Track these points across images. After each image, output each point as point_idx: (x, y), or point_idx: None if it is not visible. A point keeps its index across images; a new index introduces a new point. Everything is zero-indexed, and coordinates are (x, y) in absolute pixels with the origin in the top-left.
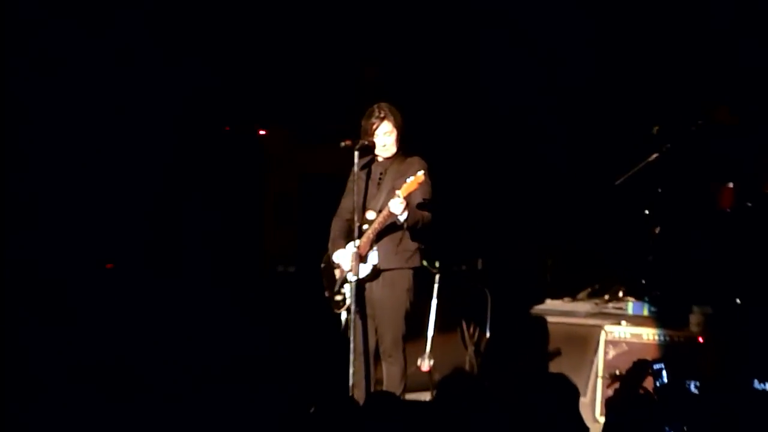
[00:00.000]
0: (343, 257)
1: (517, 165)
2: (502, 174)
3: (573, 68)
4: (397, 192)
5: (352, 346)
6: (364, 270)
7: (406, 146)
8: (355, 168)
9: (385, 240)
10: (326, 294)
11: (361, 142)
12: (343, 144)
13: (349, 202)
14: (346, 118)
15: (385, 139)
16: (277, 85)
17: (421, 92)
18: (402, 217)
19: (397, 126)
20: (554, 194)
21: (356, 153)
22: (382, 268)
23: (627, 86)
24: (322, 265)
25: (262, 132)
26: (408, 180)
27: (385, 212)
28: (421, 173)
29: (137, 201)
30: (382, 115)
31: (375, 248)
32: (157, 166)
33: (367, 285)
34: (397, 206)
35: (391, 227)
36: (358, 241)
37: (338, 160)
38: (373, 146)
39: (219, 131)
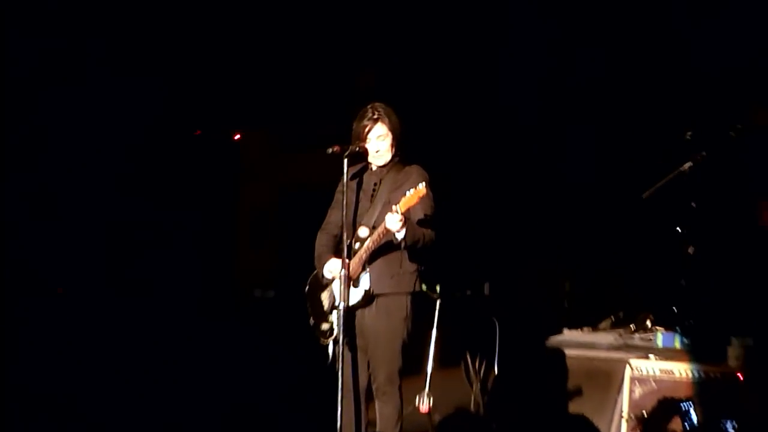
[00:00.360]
0: (335, 269)
1: (529, 176)
2: (512, 187)
3: (586, 63)
4: (395, 207)
5: (340, 382)
6: (355, 295)
7: (403, 154)
8: (345, 178)
9: (379, 261)
10: (311, 321)
11: (351, 148)
12: (330, 150)
13: (337, 215)
14: (334, 121)
15: (378, 144)
16: (255, 83)
17: (423, 95)
18: (399, 235)
19: (392, 129)
20: (572, 208)
21: (346, 161)
22: (375, 293)
23: (655, 86)
24: (307, 288)
25: (236, 136)
26: (407, 193)
27: (380, 229)
28: (422, 186)
29: (91, 218)
30: (375, 117)
31: (367, 270)
32: (113, 177)
33: (358, 312)
34: (394, 223)
35: (386, 246)
36: (347, 262)
37: (325, 170)
38: (365, 153)
39: (187, 135)
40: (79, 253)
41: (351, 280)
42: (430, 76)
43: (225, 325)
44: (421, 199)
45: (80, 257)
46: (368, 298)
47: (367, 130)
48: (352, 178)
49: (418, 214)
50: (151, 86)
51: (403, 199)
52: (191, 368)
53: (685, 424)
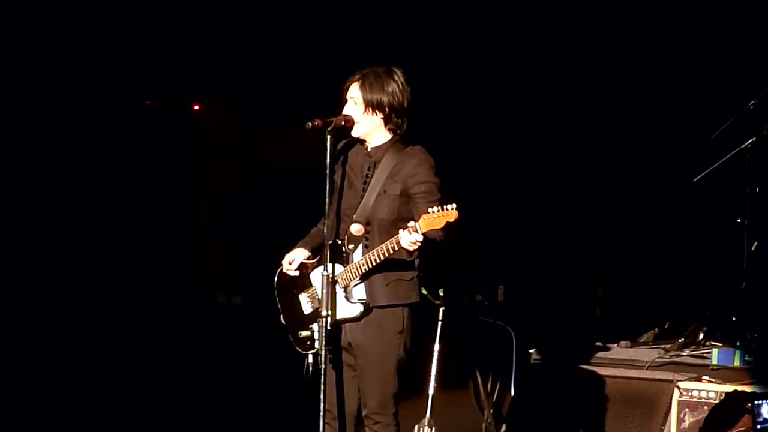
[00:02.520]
0: (294, 262)
1: (554, 162)
2: (532, 173)
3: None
4: (416, 225)
5: (322, 407)
6: (350, 310)
7: (404, 133)
8: (328, 158)
9: (376, 269)
10: (282, 321)
11: (335, 120)
12: (310, 124)
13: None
14: (315, 88)
15: (349, 107)
16: (218, 43)
17: (436, 78)
18: (411, 252)
19: (367, 99)
20: (605, 195)
21: (329, 137)
22: (372, 305)
23: (707, 44)
24: (277, 280)
25: (196, 107)
26: (431, 211)
27: (389, 245)
28: (452, 208)
29: (25, 203)
30: (359, 75)
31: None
32: (52, 155)
33: (346, 324)
34: (409, 242)
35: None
36: (338, 268)
37: (302, 148)
38: (352, 126)
39: (136, 106)
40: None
41: (344, 291)
42: (436, 49)
43: (183, 337)
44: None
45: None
46: (367, 312)
47: (345, 88)
48: (340, 157)
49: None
50: (90, 46)
51: (426, 218)
52: (145, 385)
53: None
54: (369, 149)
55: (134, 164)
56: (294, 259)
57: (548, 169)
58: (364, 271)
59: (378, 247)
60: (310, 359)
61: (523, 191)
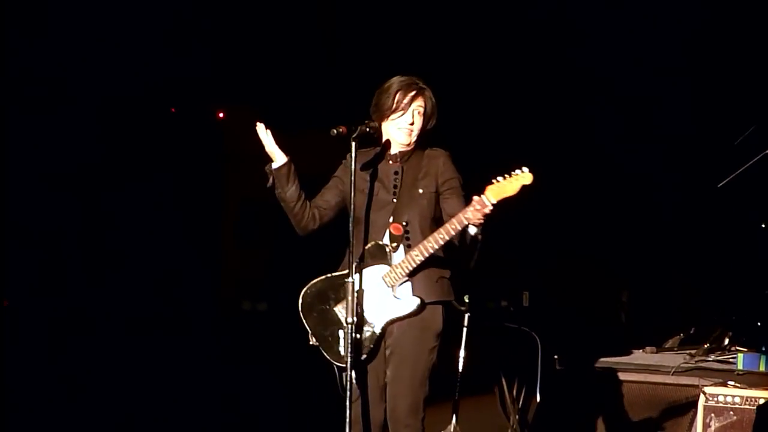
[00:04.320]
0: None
1: (576, 163)
2: (556, 174)
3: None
4: (482, 197)
5: (348, 416)
6: (402, 307)
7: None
8: (353, 165)
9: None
10: (312, 341)
11: (361, 128)
12: (335, 131)
13: (330, 197)
14: (339, 96)
15: (416, 118)
16: (244, 48)
17: (459, 82)
18: (473, 230)
19: (430, 109)
20: (629, 199)
21: (354, 144)
22: (427, 300)
23: (732, 49)
24: (302, 300)
25: (220, 114)
26: (499, 179)
27: (450, 226)
28: (527, 171)
29: (48, 210)
30: (423, 87)
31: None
32: (77, 163)
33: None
34: (479, 215)
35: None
36: (383, 269)
37: (327, 155)
38: (378, 135)
39: (161, 113)
40: (31, 255)
41: (392, 289)
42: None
43: (207, 344)
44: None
45: (28, 261)
46: (422, 307)
47: (411, 97)
48: (363, 167)
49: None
50: (114, 53)
51: (497, 186)
52: (164, 398)
53: None
54: (393, 154)
55: (158, 171)
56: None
57: (573, 174)
58: (418, 262)
59: (436, 232)
60: (352, 374)
61: (548, 197)
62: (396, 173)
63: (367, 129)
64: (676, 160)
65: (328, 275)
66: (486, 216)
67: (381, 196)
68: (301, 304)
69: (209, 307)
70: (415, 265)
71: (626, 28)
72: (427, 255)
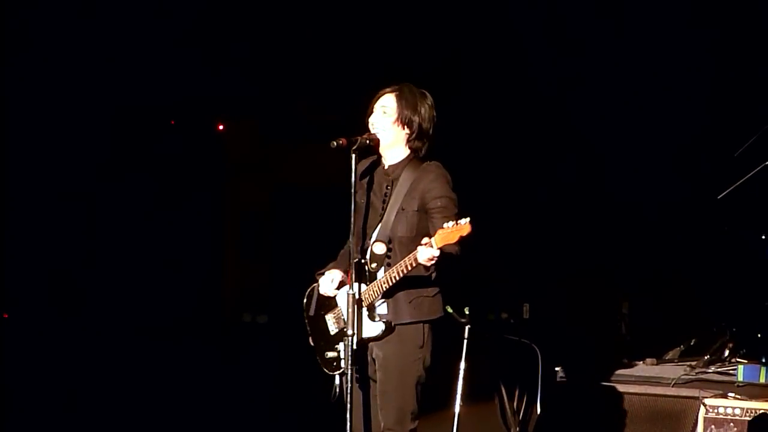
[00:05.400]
0: (331, 284)
1: (576, 176)
2: (556, 186)
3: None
4: (431, 240)
5: (348, 425)
6: (374, 329)
7: (422, 152)
8: (353, 176)
9: (399, 287)
10: (311, 342)
11: (360, 140)
12: (335, 143)
13: (359, 223)
14: (340, 107)
15: (377, 116)
16: (242, 61)
17: (457, 95)
18: (429, 268)
19: (402, 112)
20: (632, 211)
21: (354, 156)
22: (395, 323)
23: (731, 60)
24: (306, 301)
25: (220, 126)
26: (446, 226)
27: (408, 261)
28: (465, 222)
29: (46, 220)
30: (392, 89)
31: (384, 300)
32: (76, 174)
33: (372, 344)
34: (426, 257)
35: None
36: (362, 287)
37: (327, 166)
38: (376, 145)
39: (160, 125)
40: (33, 268)
41: (367, 309)
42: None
43: (207, 356)
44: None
45: (33, 274)
46: (390, 330)
47: (377, 97)
48: (362, 177)
49: (448, 249)
50: (114, 65)
51: (440, 233)
52: (163, 411)
53: None
54: (387, 167)
55: (159, 183)
56: (334, 278)
57: (574, 187)
58: (385, 289)
59: (397, 265)
60: (338, 380)
61: (549, 209)
62: (387, 187)
63: (367, 141)
64: (677, 172)
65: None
66: (436, 258)
67: (373, 210)
68: (305, 304)
69: (210, 319)
70: (385, 289)
71: (626, 35)
72: (392, 283)
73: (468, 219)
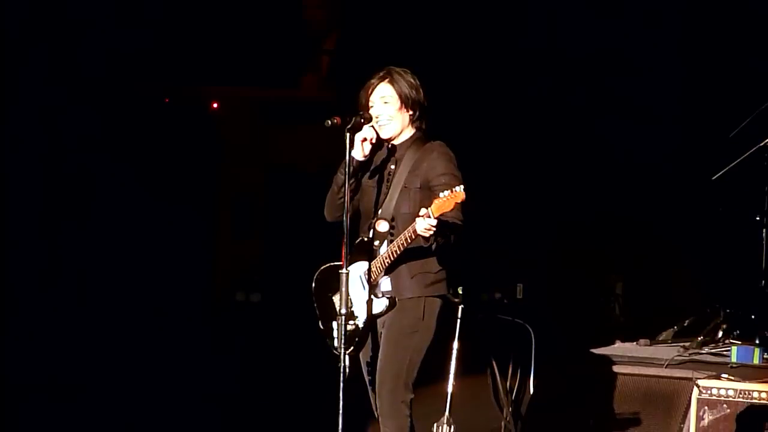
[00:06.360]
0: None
1: (573, 153)
2: (550, 165)
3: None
4: (428, 210)
5: (341, 404)
6: (379, 305)
7: (425, 129)
8: (347, 156)
9: (401, 261)
10: (320, 326)
11: (355, 119)
12: (329, 122)
13: (366, 204)
14: (334, 86)
15: (381, 108)
16: (235, 37)
17: (455, 75)
18: (429, 239)
19: (401, 94)
20: (627, 193)
21: (348, 135)
22: (397, 298)
23: (726, 41)
24: (314, 284)
25: (215, 105)
26: (441, 195)
27: (407, 233)
28: (460, 189)
29: (41, 201)
30: (383, 74)
31: (387, 275)
32: (70, 153)
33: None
34: (425, 228)
35: (411, 248)
36: (366, 265)
37: (322, 146)
38: (368, 121)
39: (154, 103)
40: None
41: (371, 287)
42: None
43: (201, 336)
44: (458, 204)
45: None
46: (393, 305)
47: (370, 90)
48: (369, 156)
49: (447, 216)
50: (107, 44)
51: (437, 202)
52: (157, 392)
53: None
54: (391, 146)
55: (152, 162)
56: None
57: (568, 166)
58: (387, 264)
59: (398, 238)
60: (347, 361)
61: (543, 189)
62: (392, 166)
63: (362, 120)
64: (672, 153)
65: (333, 264)
66: (434, 228)
67: (377, 189)
68: (314, 287)
69: (203, 298)
70: (387, 264)
71: (620, 18)
72: (393, 258)
73: (462, 186)
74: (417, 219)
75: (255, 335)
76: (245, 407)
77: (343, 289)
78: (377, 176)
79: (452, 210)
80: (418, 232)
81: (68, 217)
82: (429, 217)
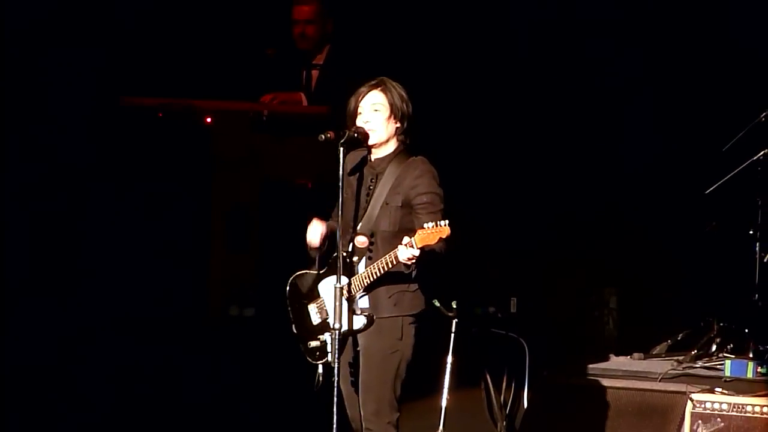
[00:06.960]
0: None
1: (567, 163)
2: (543, 176)
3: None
4: (411, 240)
5: (335, 418)
6: (357, 322)
7: (409, 145)
8: (341, 170)
9: (380, 281)
10: (294, 330)
11: (348, 133)
12: (323, 137)
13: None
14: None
15: (370, 115)
16: (231, 49)
17: (440, 87)
18: (410, 268)
19: (392, 105)
20: (621, 205)
21: (341, 149)
22: (376, 316)
23: (719, 62)
24: (288, 289)
25: (208, 119)
26: (426, 226)
27: (389, 258)
28: (444, 224)
29: (31, 211)
30: (375, 83)
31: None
32: (61, 168)
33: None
34: (406, 257)
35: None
36: (343, 280)
37: (316, 159)
38: (365, 138)
39: (148, 118)
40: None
41: (348, 302)
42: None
43: (194, 350)
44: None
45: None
46: (371, 323)
47: (361, 97)
48: (352, 171)
49: (431, 246)
50: (102, 56)
51: (420, 234)
52: (150, 405)
53: None
54: (373, 160)
55: (145, 175)
56: (319, 229)
57: (561, 180)
58: (367, 284)
59: (378, 261)
60: (320, 370)
61: (537, 202)
62: (372, 180)
63: (355, 134)
64: (666, 166)
65: (307, 271)
66: (416, 257)
67: (357, 203)
68: (288, 292)
69: (196, 312)
70: (366, 284)
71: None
72: (373, 279)
73: (447, 221)
74: (399, 247)
75: (249, 350)
76: (239, 421)
77: (337, 303)
78: (357, 189)
79: (437, 242)
80: (400, 259)
81: (60, 231)
82: (412, 247)
